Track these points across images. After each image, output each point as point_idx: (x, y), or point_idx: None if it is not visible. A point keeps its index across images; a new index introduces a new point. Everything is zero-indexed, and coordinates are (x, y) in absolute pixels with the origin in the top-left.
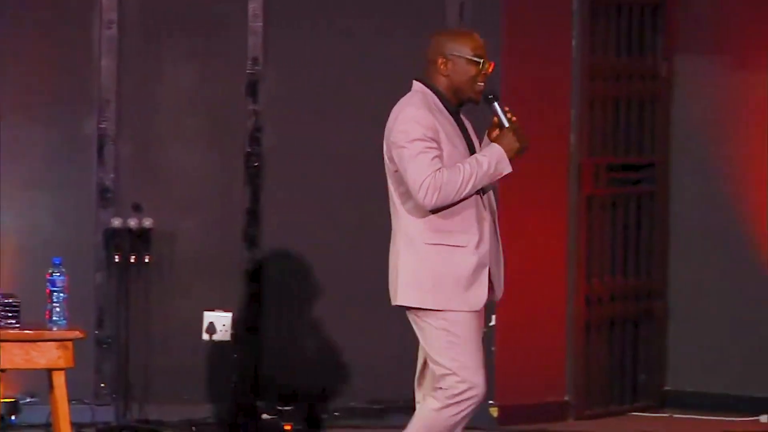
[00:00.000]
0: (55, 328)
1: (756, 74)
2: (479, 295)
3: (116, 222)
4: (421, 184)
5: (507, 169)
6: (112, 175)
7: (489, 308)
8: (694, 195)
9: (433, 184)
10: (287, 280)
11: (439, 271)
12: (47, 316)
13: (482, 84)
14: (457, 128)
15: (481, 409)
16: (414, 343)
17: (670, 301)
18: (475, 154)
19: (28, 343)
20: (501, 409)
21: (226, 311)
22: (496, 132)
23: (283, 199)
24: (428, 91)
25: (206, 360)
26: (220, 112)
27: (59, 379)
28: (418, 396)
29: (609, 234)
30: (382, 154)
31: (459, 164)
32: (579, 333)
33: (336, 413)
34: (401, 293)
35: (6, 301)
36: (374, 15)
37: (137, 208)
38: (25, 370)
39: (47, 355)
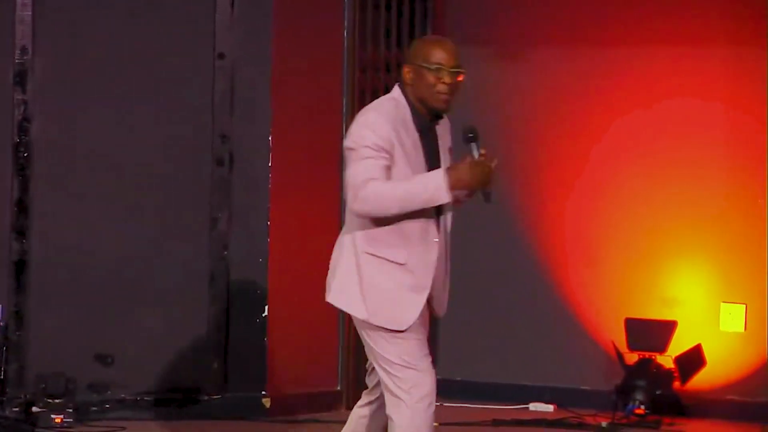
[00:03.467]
0: None
1: (519, 63)
2: (405, 317)
3: None
4: (352, 188)
5: (444, 198)
6: None
7: (262, 298)
8: None
9: (363, 192)
10: (56, 272)
11: (368, 282)
12: None
13: (445, 94)
14: (419, 146)
15: (252, 399)
16: (190, 334)
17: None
18: (420, 175)
19: None
20: (273, 399)
21: None
22: None
23: (52, 189)
24: (402, 100)
25: None
26: None
27: None
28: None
29: None
30: (153, 144)
31: (399, 181)
32: (351, 323)
33: (107, 405)
34: (333, 292)
35: None
36: (145, 3)
37: None
38: None
39: None
